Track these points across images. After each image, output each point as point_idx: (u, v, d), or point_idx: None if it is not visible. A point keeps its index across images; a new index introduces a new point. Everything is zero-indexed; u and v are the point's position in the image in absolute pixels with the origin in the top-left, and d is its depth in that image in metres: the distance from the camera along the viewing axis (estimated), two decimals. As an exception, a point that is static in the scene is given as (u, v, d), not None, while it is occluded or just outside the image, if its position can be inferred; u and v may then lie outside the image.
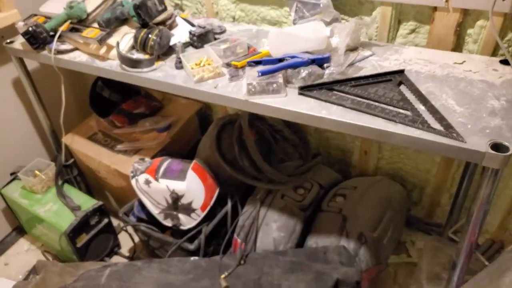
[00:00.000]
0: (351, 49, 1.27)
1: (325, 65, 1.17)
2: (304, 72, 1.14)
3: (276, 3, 1.50)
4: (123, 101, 1.80)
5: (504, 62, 1.16)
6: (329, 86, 1.12)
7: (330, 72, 1.15)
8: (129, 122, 1.80)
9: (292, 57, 1.19)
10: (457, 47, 1.29)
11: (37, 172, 1.75)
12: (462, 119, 0.97)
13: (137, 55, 1.36)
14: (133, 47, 1.39)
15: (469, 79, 1.11)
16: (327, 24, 1.31)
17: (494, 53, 1.23)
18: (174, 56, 1.35)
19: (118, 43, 1.32)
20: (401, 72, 1.14)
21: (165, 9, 1.39)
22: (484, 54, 1.24)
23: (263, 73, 1.12)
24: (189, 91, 1.22)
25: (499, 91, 1.05)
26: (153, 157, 1.67)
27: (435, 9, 1.24)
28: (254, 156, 1.51)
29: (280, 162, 1.65)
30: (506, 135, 0.91)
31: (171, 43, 1.39)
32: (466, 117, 0.97)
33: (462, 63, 1.18)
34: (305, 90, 1.12)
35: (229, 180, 1.59)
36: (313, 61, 1.16)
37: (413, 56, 1.23)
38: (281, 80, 1.13)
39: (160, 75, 1.28)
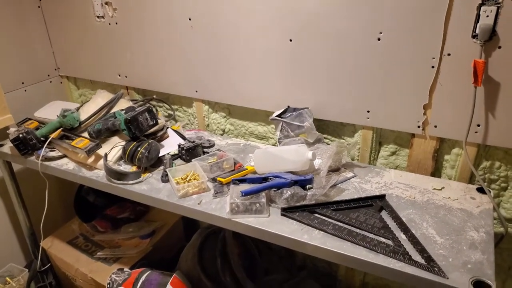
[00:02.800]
0: (334, 170, 1.31)
1: (307, 186, 1.19)
2: (287, 193, 1.16)
3: (264, 120, 1.58)
4: (108, 206, 1.79)
5: (481, 190, 1.20)
6: (312, 208, 1.13)
7: (312, 194, 1.16)
8: (112, 227, 1.76)
9: (276, 176, 1.22)
10: (436, 171, 1.34)
11: (8, 278, 1.65)
12: (443, 251, 0.96)
13: (124, 167, 1.39)
14: (121, 158, 1.43)
15: (449, 206, 1.13)
16: (310, 144, 1.37)
17: (471, 180, 1.28)
18: (162, 168, 1.38)
19: (106, 155, 1.36)
20: (382, 197, 1.16)
21: (156, 123, 1.46)
22: (462, 181, 1.28)
23: (246, 193, 1.13)
24: (172, 206, 1.22)
25: (477, 221, 1.06)
26: (132, 267, 1.61)
27: (413, 135, 1.32)
28: (238, 272, 1.46)
29: (265, 273, 1.59)
30: (487, 272, 0.89)
31: (161, 154, 1.43)
32: (447, 249, 0.97)
33: (441, 189, 1.21)
34: (287, 211, 1.12)
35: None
36: (296, 182, 1.19)
37: (394, 180, 1.27)
38: (264, 200, 1.14)
39: (146, 188, 1.29)
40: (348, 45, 1.28)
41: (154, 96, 1.75)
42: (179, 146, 1.44)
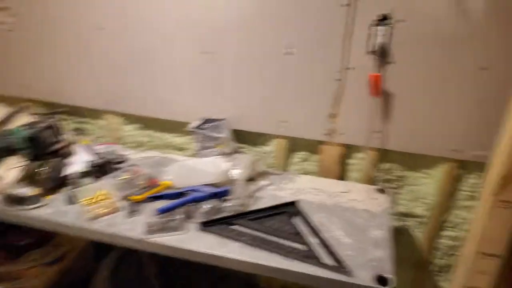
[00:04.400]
0: (250, 179, 1.34)
1: (225, 198, 1.20)
2: (205, 207, 1.16)
3: (181, 131, 1.56)
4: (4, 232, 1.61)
5: (381, 190, 1.32)
6: (230, 220, 1.14)
7: (230, 205, 1.18)
8: (11, 257, 1.58)
9: (194, 190, 1.21)
10: (343, 174, 1.44)
11: None
12: (351, 251, 1.04)
13: (25, 190, 1.27)
14: (23, 180, 1.30)
15: (354, 208, 1.22)
16: (228, 155, 1.39)
17: (373, 182, 1.40)
18: (69, 188, 1.28)
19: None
20: (294, 203, 1.22)
21: (60, 139, 1.35)
22: (366, 183, 1.40)
23: (162, 211, 1.11)
24: (80, 231, 1.15)
25: (379, 220, 1.17)
26: (39, 296, 1.47)
27: (322, 142, 1.40)
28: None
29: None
30: (388, 267, 0.99)
31: (67, 173, 1.33)
32: (354, 249, 1.05)
33: (348, 192, 1.31)
34: (206, 225, 1.12)
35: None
36: (214, 195, 1.19)
37: (305, 185, 1.34)
38: (181, 217, 1.12)
39: (50, 211, 1.19)
40: (261, 59, 1.33)
41: (61, 109, 1.62)
42: (87, 163, 1.35)
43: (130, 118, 1.62)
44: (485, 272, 1.10)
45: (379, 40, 1.18)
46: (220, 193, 1.20)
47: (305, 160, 1.47)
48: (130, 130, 1.64)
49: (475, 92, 1.17)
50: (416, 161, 1.35)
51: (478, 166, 1.27)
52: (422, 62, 1.19)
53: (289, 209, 1.20)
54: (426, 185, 1.37)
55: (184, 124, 1.49)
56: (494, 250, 1.08)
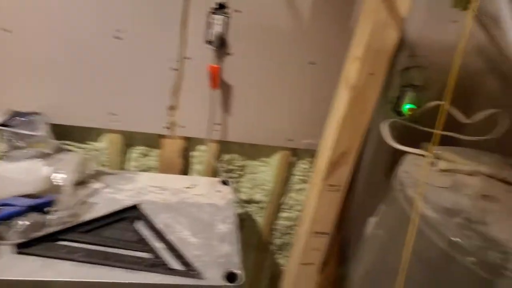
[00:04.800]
0: (80, 183, 1.16)
1: (49, 209, 1.01)
2: (21, 223, 0.94)
3: (-21, 128, 1.23)
4: None
5: (224, 182, 1.33)
6: (57, 236, 0.96)
7: (56, 218, 1.00)
8: None
9: (4, 204, 0.97)
10: (186, 168, 1.40)
11: None
12: (198, 251, 1.01)
13: None
14: None
15: (199, 203, 1.20)
16: (49, 156, 1.17)
17: (216, 174, 1.40)
18: None
19: None
20: (135, 206, 1.12)
21: None
22: (209, 175, 1.39)
23: (-43, 238, 0.85)
24: None
25: (224, 213, 1.17)
26: None
27: (162, 136, 1.32)
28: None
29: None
30: (235, 262, 1.00)
31: None
32: (201, 248, 1.02)
33: (192, 186, 1.27)
34: (25, 247, 0.92)
35: None
36: (33, 208, 0.98)
37: (146, 184, 1.24)
38: (-13, 241, 0.89)
39: None
40: (83, 42, 1.14)
41: None
42: None
43: None
44: (317, 249, 1.24)
45: (216, 29, 1.16)
46: (41, 205, 0.99)
47: (144, 155, 1.36)
48: None
49: (305, 85, 1.28)
50: (254, 151, 1.40)
51: (308, 153, 1.41)
52: (258, 55, 1.22)
53: (130, 213, 1.09)
54: (264, 173, 1.44)
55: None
56: (324, 229, 1.22)
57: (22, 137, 1.15)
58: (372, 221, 1.11)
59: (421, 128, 1.16)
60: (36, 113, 1.19)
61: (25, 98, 1.19)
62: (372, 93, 1.08)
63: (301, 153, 1.42)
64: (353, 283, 1.19)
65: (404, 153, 1.13)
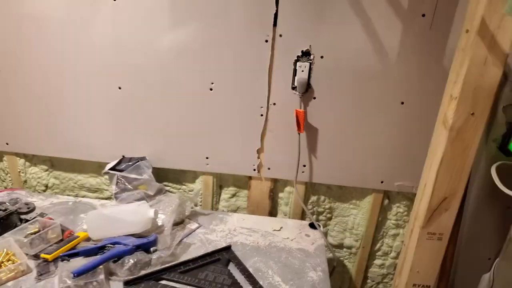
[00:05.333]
0: (178, 223, 1.25)
1: (152, 249, 1.09)
2: (129, 262, 1.04)
3: (95, 171, 1.41)
4: None
5: (312, 225, 1.31)
6: (158, 275, 1.04)
7: (157, 257, 1.08)
8: None
9: (115, 242, 1.08)
10: (273, 208, 1.42)
11: None
12: (290, 298, 1.00)
13: None
14: None
15: (289, 248, 1.20)
16: (151, 197, 1.28)
17: (303, 216, 1.39)
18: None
19: None
20: (228, 248, 1.16)
21: None
22: (296, 217, 1.39)
23: (79, 273, 0.96)
24: (-24, 304, 0.96)
25: (314, 259, 1.15)
26: None
27: (250, 177, 1.37)
28: None
29: None
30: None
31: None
32: (292, 296, 1.01)
33: (280, 229, 1.28)
34: (131, 284, 1.00)
35: None
36: (138, 247, 1.08)
37: (237, 225, 1.29)
38: (102, 277, 0.99)
39: None
40: (182, 94, 1.26)
41: None
42: (-17, 218, 1.15)
43: (35, 159, 1.43)
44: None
45: (301, 75, 1.19)
46: (145, 244, 1.08)
47: (234, 195, 1.42)
48: (36, 173, 1.45)
49: (396, 125, 1.23)
50: (344, 193, 1.37)
51: (403, 196, 1.34)
52: (343, 97, 1.22)
53: (222, 255, 1.13)
54: (355, 216, 1.40)
55: (100, 164, 1.35)
56: (424, 281, 1.12)
57: (130, 180, 1.29)
58: (485, 277, 1.00)
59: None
60: (141, 158, 1.33)
61: (133, 145, 1.34)
62: (473, 134, 1.00)
63: (394, 196, 1.35)
64: None
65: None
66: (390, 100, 1.20)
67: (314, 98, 1.22)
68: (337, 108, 1.23)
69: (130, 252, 1.06)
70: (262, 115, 1.26)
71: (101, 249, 1.07)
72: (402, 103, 1.21)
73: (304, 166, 1.32)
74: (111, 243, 1.08)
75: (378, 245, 1.42)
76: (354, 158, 1.29)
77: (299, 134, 1.25)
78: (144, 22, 1.18)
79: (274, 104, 1.24)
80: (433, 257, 1.11)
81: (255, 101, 1.25)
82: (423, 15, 1.10)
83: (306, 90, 1.21)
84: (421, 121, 1.20)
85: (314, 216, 1.40)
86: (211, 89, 1.24)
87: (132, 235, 1.12)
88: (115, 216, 1.13)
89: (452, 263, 1.23)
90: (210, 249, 1.14)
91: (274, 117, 1.26)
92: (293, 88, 1.22)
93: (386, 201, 1.36)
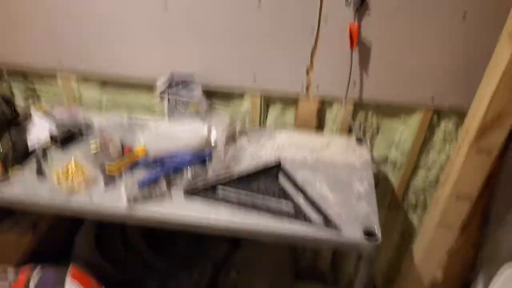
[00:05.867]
0: (229, 140, 1.30)
1: (207, 162, 1.17)
2: (187, 173, 1.12)
3: (146, 89, 1.45)
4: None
5: (359, 141, 1.34)
6: (214, 185, 1.12)
7: (213, 169, 1.15)
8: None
9: (172, 156, 1.16)
10: (320, 126, 1.43)
11: None
12: (337, 208, 1.07)
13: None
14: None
15: (336, 163, 1.24)
16: (202, 116, 1.33)
17: (350, 132, 1.41)
18: (34, 162, 1.18)
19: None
20: (278, 163, 1.21)
21: (16, 114, 1.22)
22: (343, 133, 1.40)
23: (144, 184, 1.06)
24: (58, 207, 1.08)
25: (360, 173, 1.19)
26: (17, 265, 1.42)
27: (298, 95, 1.37)
28: (142, 252, 1.41)
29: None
30: (374, 221, 1.02)
31: (31, 144, 1.23)
32: (339, 206, 1.07)
33: (327, 145, 1.31)
34: (191, 193, 1.09)
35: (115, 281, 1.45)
36: (195, 160, 1.15)
37: (285, 142, 1.33)
38: (164, 187, 1.08)
39: (18, 189, 1.10)
40: (230, 9, 1.22)
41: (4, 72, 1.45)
42: (51, 137, 1.24)
43: (89, 77, 1.48)
44: (459, 212, 1.18)
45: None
46: (201, 158, 1.16)
47: (282, 113, 1.44)
48: (90, 91, 1.51)
49: (455, 38, 1.16)
50: (392, 110, 1.36)
51: (454, 114, 1.31)
52: (399, 10, 1.14)
53: (273, 169, 1.19)
54: (403, 132, 1.39)
55: (150, 80, 1.38)
56: (467, 193, 1.15)
57: (181, 99, 1.33)
58: None
59: None
60: (190, 75, 1.34)
61: (182, 61, 1.35)
62: (542, 47, 0.94)
63: (445, 114, 1.32)
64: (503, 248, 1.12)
65: None
66: (451, 9, 1.12)
67: (369, 12, 1.16)
68: (393, 21, 1.16)
69: (187, 164, 1.13)
70: (313, 31, 1.21)
71: (160, 162, 1.15)
72: (464, 15, 1.12)
73: (355, 83, 1.29)
74: (168, 157, 1.16)
75: (423, 160, 1.44)
76: (407, 75, 1.25)
77: (351, 50, 1.21)
78: None
79: (326, 20, 1.19)
80: (479, 171, 1.12)
81: (305, 17, 1.19)
82: None
83: (361, 4, 1.14)
84: (485, 34, 1.12)
85: (361, 132, 1.41)
86: (258, 6, 1.19)
87: (188, 150, 1.19)
88: (171, 134, 1.20)
89: (497, 178, 1.24)
90: (260, 163, 1.21)
91: (325, 34, 1.21)
92: (347, 2, 1.15)
93: (435, 118, 1.34)
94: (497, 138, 1.08)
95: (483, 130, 1.06)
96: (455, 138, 1.35)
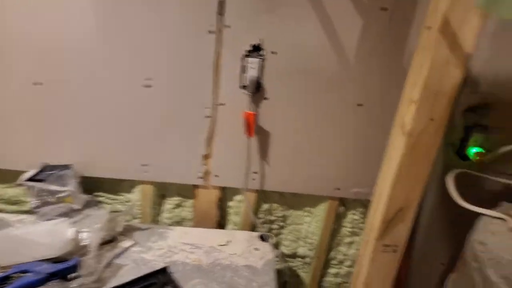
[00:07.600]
0: (108, 241, 1.09)
1: (72, 275, 0.93)
2: (41, 293, 0.87)
3: (14, 180, 1.21)
4: None
5: (262, 238, 1.20)
6: (77, 307, 0.88)
7: (79, 285, 0.91)
8: None
9: (23, 271, 0.91)
10: (222, 219, 1.29)
11: None
12: (232, 327, 0.88)
13: None
14: None
15: (235, 265, 1.07)
16: (78, 211, 1.11)
17: (255, 226, 1.27)
18: None
19: None
20: (164, 270, 1.01)
21: None
22: (246, 228, 1.27)
23: (-28, 314, 0.79)
24: None
25: (262, 278, 1.04)
26: None
27: (196, 186, 1.23)
28: None
29: None
30: None
31: None
32: (235, 324, 0.89)
33: (226, 244, 1.15)
34: (42, 321, 0.84)
35: None
36: (54, 275, 0.91)
37: (178, 240, 1.14)
38: (4, 315, 0.82)
39: None
40: (113, 93, 1.09)
41: None
42: None
43: None
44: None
45: (251, 73, 1.06)
46: (62, 271, 0.92)
47: (178, 206, 1.27)
48: None
49: (352, 129, 1.13)
50: (297, 201, 1.26)
51: (359, 203, 1.25)
52: (297, 99, 1.10)
53: (158, 278, 0.99)
54: (309, 224, 1.29)
55: (19, 173, 1.15)
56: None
57: (51, 192, 1.11)
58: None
59: (497, 179, 0.97)
60: (67, 166, 1.15)
61: (57, 151, 1.16)
62: (432, 140, 0.92)
63: (350, 203, 1.26)
64: None
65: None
66: (348, 102, 1.10)
67: (266, 98, 1.10)
68: (291, 110, 1.11)
69: (41, 282, 0.89)
70: (208, 116, 1.12)
71: (5, 280, 0.89)
72: (360, 105, 1.11)
73: (255, 173, 1.19)
74: (19, 272, 0.90)
75: (333, 253, 1.34)
76: (308, 164, 1.18)
77: (249, 138, 1.13)
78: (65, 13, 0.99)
79: (222, 104, 1.10)
80: (387, 269, 1.03)
81: (199, 100, 1.10)
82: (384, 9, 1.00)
83: (257, 90, 1.08)
84: (380, 125, 1.11)
85: (266, 225, 1.28)
86: (147, 86, 1.08)
87: (50, 259, 0.95)
88: (25, 238, 0.96)
89: (406, 276, 1.17)
90: (144, 271, 1.00)
91: (222, 119, 1.12)
92: (243, 87, 1.08)
93: (342, 208, 1.26)
94: (401, 233, 1.01)
95: (386, 226, 0.99)
96: (362, 229, 1.28)
